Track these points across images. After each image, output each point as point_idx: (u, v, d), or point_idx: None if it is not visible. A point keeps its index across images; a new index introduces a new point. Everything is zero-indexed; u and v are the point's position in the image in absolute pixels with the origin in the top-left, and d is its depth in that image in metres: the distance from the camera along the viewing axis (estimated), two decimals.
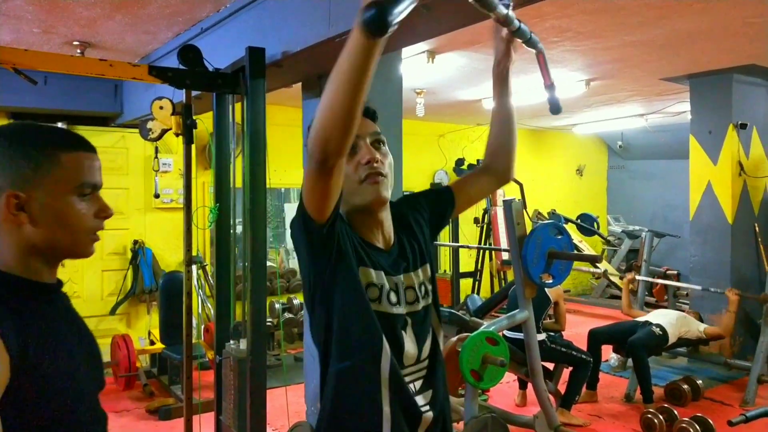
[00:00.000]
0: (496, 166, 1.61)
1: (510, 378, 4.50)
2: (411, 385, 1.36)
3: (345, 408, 1.34)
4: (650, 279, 5.75)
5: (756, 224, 5.30)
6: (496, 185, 1.65)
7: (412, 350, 1.36)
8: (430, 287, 1.45)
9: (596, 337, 4.50)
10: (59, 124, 5.26)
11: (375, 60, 1.06)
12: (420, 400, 1.36)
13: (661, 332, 4.40)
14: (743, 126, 5.13)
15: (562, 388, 4.23)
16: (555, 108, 1.68)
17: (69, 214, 1.01)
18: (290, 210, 7.35)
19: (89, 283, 5.43)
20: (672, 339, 4.45)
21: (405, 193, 1.73)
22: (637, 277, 5.40)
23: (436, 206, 1.56)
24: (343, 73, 1.07)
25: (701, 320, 4.83)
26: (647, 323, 4.49)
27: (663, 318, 4.57)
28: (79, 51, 4.27)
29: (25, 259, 1.00)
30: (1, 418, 0.89)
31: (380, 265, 1.36)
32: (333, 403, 1.35)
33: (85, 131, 5.48)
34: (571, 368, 4.14)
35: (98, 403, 1.11)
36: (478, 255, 7.38)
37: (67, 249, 1.04)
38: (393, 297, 1.36)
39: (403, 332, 1.36)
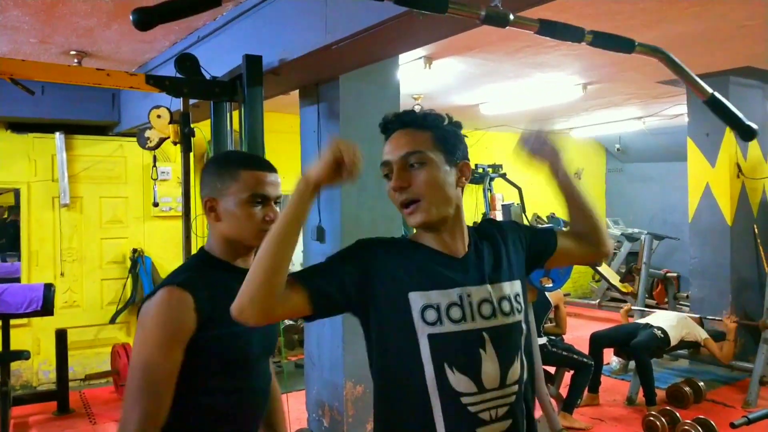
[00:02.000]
0: (594, 244, 1.49)
1: None
2: (488, 413, 1.23)
3: None
4: (645, 308, 5.73)
5: (755, 226, 5.30)
6: (594, 260, 1.55)
7: (492, 371, 1.24)
8: (517, 305, 1.32)
9: (598, 341, 4.49)
10: (57, 134, 5.28)
11: (301, 220, 1.19)
12: (492, 428, 1.24)
13: (662, 335, 4.40)
14: None
15: (563, 391, 4.22)
16: (743, 131, 1.44)
17: (241, 216, 1.39)
18: None
19: (89, 292, 5.42)
20: (674, 341, 4.45)
21: None
22: (635, 308, 5.36)
23: (538, 240, 1.47)
24: (273, 234, 1.18)
25: (702, 326, 4.82)
26: (648, 326, 4.49)
27: (664, 320, 4.56)
28: (76, 61, 4.27)
29: (223, 246, 1.42)
30: (187, 352, 1.29)
31: (437, 280, 1.26)
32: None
33: (83, 140, 5.49)
34: (572, 372, 4.14)
35: (267, 365, 1.52)
36: None
37: (241, 240, 1.41)
38: (456, 313, 1.25)
39: (481, 350, 1.24)
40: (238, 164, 1.41)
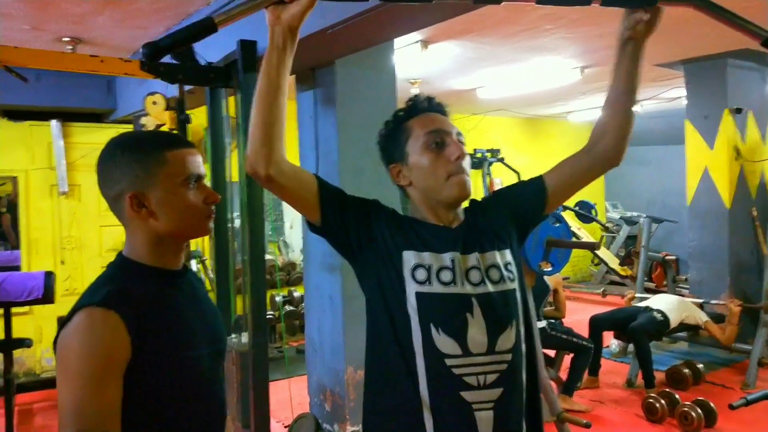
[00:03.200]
0: (605, 144, 1.41)
1: None
2: (475, 378, 1.25)
3: (381, 401, 1.34)
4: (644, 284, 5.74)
5: (753, 208, 5.30)
6: (601, 167, 1.44)
7: (479, 337, 1.26)
8: (508, 274, 1.34)
9: (597, 324, 4.51)
10: (53, 122, 5.25)
11: (276, 70, 1.22)
12: (480, 394, 1.25)
13: (662, 317, 4.41)
14: (739, 110, 5.13)
15: (563, 374, 4.25)
16: None
17: (182, 204, 1.17)
18: None
19: (89, 280, 5.28)
20: (673, 324, 4.47)
21: None
22: (637, 295, 5.36)
23: (522, 196, 1.46)
24: (256, 90, 1.24)
25: (702, 309, 4.83)
26: (648, 308, 4.51)
27: (663, 303, 4.58)
28: (69, 47, 4.24)
29: (154, 248, 1.18)
30: (125, 385, 1.06)
31: (431, 244, 1.31)
32: (369, 397, 1.36)
33: (79, 128, 5.46)
34: (572, 355, 4.16)
35: (217, 376, 1.28)
36: None
37: (186, 232, 1.21)
38: (446, 275, 1.28)
39: (468, 315, 1.26)
40: (159, 146, 1.18)
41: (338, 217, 1.33)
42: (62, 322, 1.10)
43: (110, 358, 1.04)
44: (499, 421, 1.25)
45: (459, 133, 1.38)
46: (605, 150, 1.41)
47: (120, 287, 1.11)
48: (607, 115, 1.42)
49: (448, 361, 1.24)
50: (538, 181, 1.45)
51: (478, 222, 1.39)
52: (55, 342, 1.09)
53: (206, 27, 1.12)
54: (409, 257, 1.29)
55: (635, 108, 1.42)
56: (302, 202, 1.32)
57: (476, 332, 1.26)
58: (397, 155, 1.41)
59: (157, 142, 1.19)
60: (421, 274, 1.28)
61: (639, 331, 4.28)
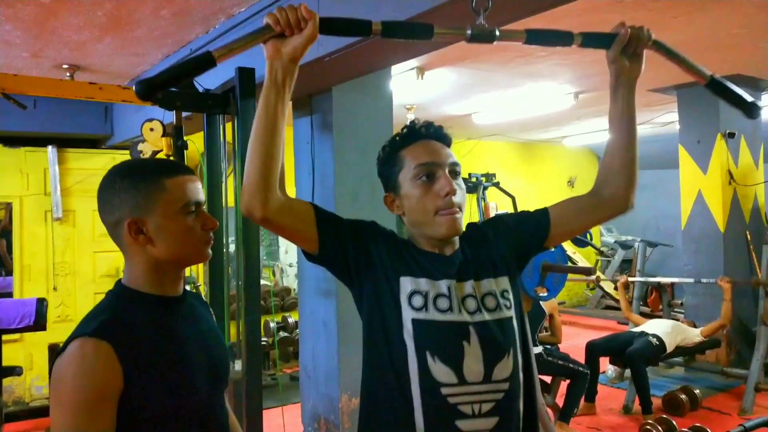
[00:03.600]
0: (612, 191, 1.38)
1: None
2: (470, 407, 1.23)
3: (375, 427, 1.32)
4: (644, 279, 5.75)
5: (747, 232, 5.32)
6: (609, 212, 1.41)
7: (474, 365, 1.24)
8: (504, 302, 1.32)
9: (594, 350, 4.49)
10: (49, 147, 5.26)
11: (274, 109, 1.20)
12: (475, 423, 1.23)
13: (658, 342, 4.39)
14: (731, 135, 5.18)
15: (560, 401, 4.21)
16: (743, 106, 1.40)
17: (180, 230, 1.17)
18: None
19: (82, 306, 5.37)
20: (669, 348, 4.45)
21: None
22: (630, 279, 5.38)
23: (524, 225, 1.42)
24: (253, 128, 1.22)
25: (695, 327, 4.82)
26: (644, 333, 4.49)
27: (659, 328, 4.57)
28: (68, 74, 4.27)
29: (152, 275, 1.18)
30: (119, 414, 1.07)
31: (427, 271, 1.30)
32: (363, 422, 1.35)
33: (76, 154, 5.47)
34: (568, 381, 4.13)
35: (221, 405, 1.28)
36: None
37: (185, 259, 1.21)
38: (443, 303, 1.27)
39: (465, 343, 1.25)
40: (159, 173, 1.18)
41: (336, 245, 1.30)
42: (57, 352, 1.10)
43: (102, 388, 1.05)
44: None
45: (454, 164, 1.34)
46: (612, 196, 1.39)
47: (114, 316, 1.12)
48: (611, 162, 1.40)
49: (444, 390, 1.23)
50: (542, 214, 1.41)
51: (475, 249, 1.37)
52: (50, 372, 1.09)
53: (205, 61, 1.10)
54: (406, 283, 1.28)
55: (638, 152, 1.39)
56: (299, 235, 1.30)
57: (472, 361, 1.24)
58: (390, 184, 1.39)
59: (157, 170, 1.19)
60: (417, 301, 1.27)
61: (636, 356, 4.27)
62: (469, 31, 1.24)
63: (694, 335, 4.62)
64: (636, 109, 1.38)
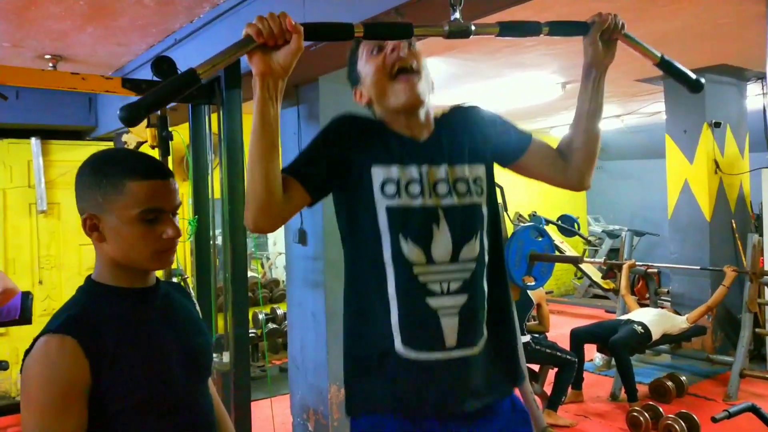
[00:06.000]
0: (572, 164, 1.46)
1: None
2: (438, 285, 1.29)
3: (357, 306, 1.36)
4: (647, 264, 5.78)
5: (733, 221, 5.37)
6: (563, 182, 1.48)
7: (443, 246, 1.29)
8: (477, 188, 1.36)
9: (578, 337, 4.51)
10: (33, 139, 5.19)
11: (272, 124, 1.20)
12: (444, 300, 1.29)
13: (643, 330, 4.43)
14: (717, 125, 5.22)
15: (548, 389, 4.24)
16: (688, 83, 1.51)
17: (131, 237, 1.13)
18: None
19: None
20: (656, 336, 4.49)
21: None
22: (639, 264, 5.39)
23: (506, 136, 1.46)
24: (253, 144, 1.22)
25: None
26: (629, 321, 4.53)
27: (644, 316, 4.60)
28: (51, 65, 4.21)
29: (115, 270, 1.16)
30: (90, 409, 1.06)
31: (397, 156, 1.32)
32: (349, 307, 1.38)
33: (60, 146, 5.40)
34: (556, 369, 4.16)
35: (203, 392, 1.26)
36: None
37: (136, 263, 1.16)
38: (414, 188, 1.30)
39: (434, 225, 1.30)
40: (122, 173, 1.12)
41: (324, 186, 1.34)
42: (26, 350, 1.09)
43: (69, 384, 1.04)
44: (463, 326, 1.30)
45: (412, 43, 1.35)
46: (571, 171, 1.46)
47: (80, 311, 1.11)
48: (574, 139, 1.46)
49: (415, 269, 1.28)
50: (525, 138, 1.47)
51: (452, 133, 1.39)
52: (21, 370, 1.09)
53: (189, 79, 1.10)
54: (377, 172, 1.31)
55: (599, 135, 1.47)
56: (298, 209, 1.34)
57: (441, 242, 1.29)
58: (354, 78, 1.43)
59: (122, 170, 1.14)
60: (390, 188, 1.30)
61: (620, 344, 4.29)
62: (446, 28, 1.28)
63: (680, 322, 4.66)
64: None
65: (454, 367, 1.29)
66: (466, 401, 1.31)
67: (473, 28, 1.29)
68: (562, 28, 1.39)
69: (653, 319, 4.56)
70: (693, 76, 1.49)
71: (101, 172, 1.14)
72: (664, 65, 1.48)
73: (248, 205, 1.22)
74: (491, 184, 1.41)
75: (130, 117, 1.08)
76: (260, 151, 1.20)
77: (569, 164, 1.46)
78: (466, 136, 1.40)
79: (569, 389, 4.33)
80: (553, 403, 4.09)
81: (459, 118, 1.44)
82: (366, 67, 1.36)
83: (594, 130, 1.45)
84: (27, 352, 1.08)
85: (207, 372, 1.30)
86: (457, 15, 1.32)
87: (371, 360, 1.32)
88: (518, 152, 1.46)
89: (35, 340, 1.08)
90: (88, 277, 1.20)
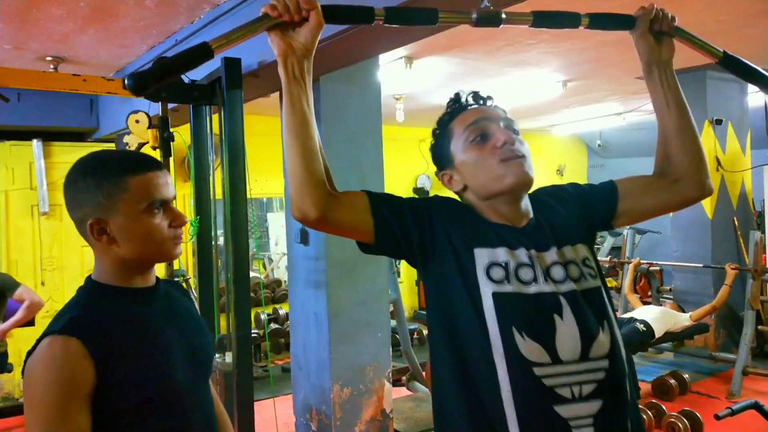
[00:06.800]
0: (682, 174, 1.29)
1: None
2: (569, 389, 1.08)
3: (455, 423, 1.16)
4: (646, 262, 5.78)
5: (735, 218, 5.37)
6: (681, 197, 1.30)
7: (571, 341, 1.10)
8: (588, 270, 1.19)
9: None
10: (34, 141, 5.20)
11: (299, 102, 1.13)
12: (576, 409, 1.08)
13: (645, 328, 4.42)
14: (719, 122, 5.20)
15: None
16: (761, 82, 1.36)
17: (145, 231, 1.13)
18: (273, 219, 7.31)
19: None
20: (658, 334, 4.48)
21: None
22: (643, 261, 5.38)
23: (590, 198, 1.31)
24: (285, 128, 1.16)
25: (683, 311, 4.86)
26: (632, 320, 4.52)
27: (647, 314, 4.60)
28: (52, 67, 4.21)
29: (120, 271, 1.16)
30: (94, 409, 1.05)
31: (504, 239, 1.17)
32: (440, 421, 1.20)
33: (62, 147, 5.41)
34: None
35: (205, 393, 1.25)
36: None
37: (150, 258, 1.17)
38: (526, 274, 1.14)
39: (556, 317, 1.11)
40: (122, 171, 1.13)
41: (396, 232, 1.18)
42: (28, 351, 1.08)
43: (73, 385, 1.03)
44: None
45: (508, 119, 1.26)
46: (683, 181, 1.30)
47: (83, 312, 1.10)
48: (670, 150, 1.32)
49: (537, 371, 1.08)
50: (609, 187, 1.32)
51: (549, 215, 1.26)
52: (23, 372, 1.07)
53: (201, 53, 1.05)
54: (482, 254, 1.15)
55: (697, 132, 1.34)
56: (356, 229, 1.19)
57: (567, 336, 1.10)
58: (445, 161, 1.29)
59: (120, 168, 1.14)
60: (497, 273, 1.13)
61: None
62: (474, 15, 1.21)
63: (683, 320, 4.66)
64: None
65: None
66: None
67: (504, 15, 1.22)
68: (603, 21, 1.30)
69: (656, 317, 4.55)
70: (765, 73, 1.35)
71: (98, 175, 1.12)
72: (728, 62, 1.36)
73: (290, 191, 1.15)
74: (599, 265, 1.26)
75: (138, 85, 1.05)
76: (290, 130, 1.14)
77: (679, 178, 1.29)
78: (559, 216, 1.26)
79: None
80: None
81: (542, 203, 1.30)
82: (466, 153, 1.24)
83: (687, 128, 1.31)
84: (29, 353, 1.07)
85: (209, 371, 1.29)
86: (487, 3, 1.25)
87: None
88: (612, 205, 1.29)
89: (38, 341, 1.07)
90: (89, 278, 1.19)
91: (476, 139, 1.24)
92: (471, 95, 1.33)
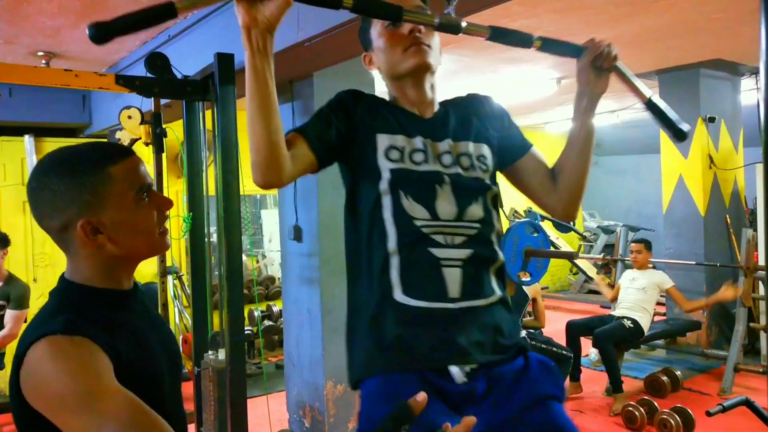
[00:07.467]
0: (558, 192, 1.42)
1: None
2: (443, 237, 1.26)
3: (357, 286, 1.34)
4: (666, 261, 5.79)
5: (727, 216, 5.39)
6: (547, 206, 1.45)
7: (448, 205, 1.28)
8: (482, 165, 1.34)
9: (573, 329, 4.54)
10: (26, 137, 5.17)
11: (263, 74, 1.17)
12: (448, 252, 1.25)
13: (632, 324, 4.43)
14: (712, 119, 5.22)
15: None
16: (672, 130, 1.43)
17: (140, 220, 1.07)
18: (267, 216, 7.29)
19: None
20: (646, 325, 4.49)
21: None
22: (610, 270, 5.43)
23: (509, 138, 1.44)
24: (249, 99, 1.19)
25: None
26: (621, 317, 4.54)
27: (629, 309, 4.59)
28: (44, 62, 4.19)
29: (108, 272, 1.07)
30: None
31: (403, 127, 1.33)
32: (350, 275, 1.36)
33: (54, 143, 5.38)
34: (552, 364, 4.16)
35: (179, 394, 1.19)
36: None
37: (146, 251, 1.11)
38: (418, 156, 1.30)
39: (437, 186, 1.29)
40: (100, 162, 1.04)
41: (332, 151, 1.32)
42: (16, 364, 0.94)
43: (99, 367, 0.92)
44: (467, 279, 1.26)
45: (420, 6, 1.33)
46: (556, 199, 1.43)
47: (76, 315, 0.99)
48: (563, 167, 1.43)
49: (417, 222, 1.26)
50: (525, 146, 1.46)
51: (461, 114, 1.40)
52: (12, 388, 0.94)
53: (166, 11, 1.06)
54: (382, 139, 1.31)
55: (587, 170, 1.43)
56: (306, 171, 1.30)
57: (445, 201, 1.28)
58: (366, 44, 1.43)
59: (97, 160, 1.05)
60: (394, 154, 1.30)
61: (603, 336, 4.30)
62: (437, 20, 1.26)
63: (665, 284, 4.64)
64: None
65: (459, 316, 1.24)
66: (474, 352, 1.23)
67: (464, 25, 1.27)
68: (554, 46, 1.39)
69: (634, 306, 4.56)
70: (679, 124, 1.43)
71: (76, 172, 1.03)
72: (651, 107, 1.44)
73: (253, 160, 1.20)
74: (495, 168, 1.39)
75: (98, 35, 1.03)
76: (254, 100, 1.19)
77: (557, 189, 1.42)
78: (474, 118, 1.40)
79: (567, 382, 4.34)
80: None
81: (469, 101, 1.45)
82: (379, 39, 1.37)
83: (584, 165, 1.41)
84: (19, 365, 0.94)
85: (181, 373, 1.24)
86: (451, 10, 1.31)
87: (371, 317, 1.27)
88: (517, 154, 1.44)
89: (27, 347, 0.93)
90: (63, 279, 1.08)
91: (389, 25, 1.35)
92: None
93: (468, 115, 1.40)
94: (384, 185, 1.28)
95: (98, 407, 0.88)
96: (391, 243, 1.26)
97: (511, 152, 1.44)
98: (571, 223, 7.80)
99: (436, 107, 1.40)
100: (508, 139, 1.44)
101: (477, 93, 1.49)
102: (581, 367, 4.59)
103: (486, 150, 1.38)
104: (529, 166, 1.45)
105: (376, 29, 1.38)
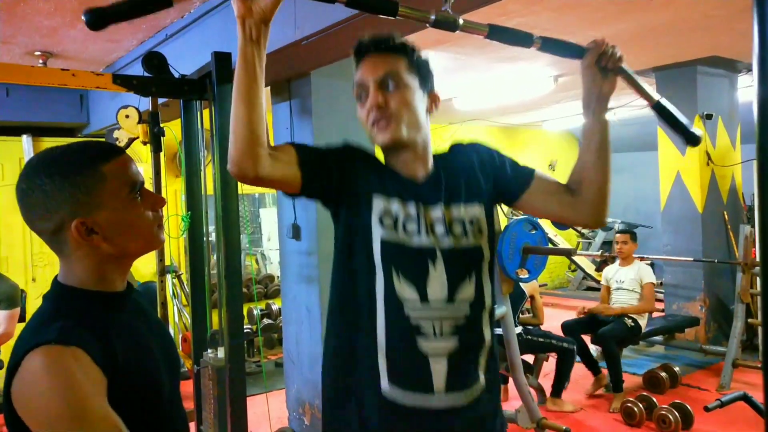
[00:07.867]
0: (582, 201, 1.39)
1: None
2: (432, 324, 1.27)
3: (340, 345, 1.35)
4: (638, 255, 5.79)
5: (725, 212, 5.40)
6: (575, 221, 1.48)
7: (437, 286, 1.28)
8: (471, 229, 1.34)
9: (569, 329, 4.54)
10: (24, 137, 5.16)
11: (253, 65, 1.17)
12: (434, 343, 1.27)
13: (633, 323, 4.45)
14: (709, 116, 5.23)
15: (542, 381, 4.26)
16: (684, 134, 1.38)
17: (134, 218, 1.05)
18: (266, 215, 7.29)
19: None
20: (644, 322, 4.50)
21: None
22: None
23: (508, 173, 1.42)
24: (235, 86, 1.19)
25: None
26: (622, 316, 4.54)
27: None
28: (41, 61, 4.18)
29: (102, 273, 1.05)
30: None
31: (398, 191, 1.32)
32: (329, 342, 1.37)
33: (51, 143, 5.37)
34: (552, 359, 4.18)
35: (178, 393, 1.17)
36: None
37: (141, 248, 1.09)
38: (411, 226, 1.29)
39: (430, 264, 1.29)
40: (92, 161, 1.03)
41: (320, 181, 1.31)
42: (9, 372, 0.92)
43: (89, 385, 0.90)
44: (452, 369, 1.28)
45: (385, 76, 1.31)
46: (583, 209, 1.40)
47: (73, 320, 0.97)
48: (582, 174, 1.40)
49: (406, 309, 1.27)
50: (528, 174, 1.42)
51: (451, 173, 1.38)
52: (6, 395, 0.91)
53: (162, 0, 1.07)
54: (378, 202, 1.30)
55: (610, 173, 1.40)
56: (285, 182, 1.28)
57: (436, 281, 1.28)
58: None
59: (89, 158, 1.03)
60: (387, 221, 1.29)
61: (607, 337, 4.32)
62: (433, 17, 1.24)
63: (647, 280, 4.61)
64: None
65: (442, 414, 1.28)
66: None
67: (461, 22, 1.25)
68: (555, 46, 1.35)
69: (628, 304, 4.57)
70: (691, 128, 1.38)
71: (68, 171, 1.01)
72: (659, 110, 1.38)
73: (230, 148, 1.20)
74: (491, 224, 1.38)
75: (93, 21, 1.05)
76: (240, 88, 1.18)
77: (579, 198, 1.39)
78: (464, 176, 1.37)
79: (570, 377, 4.33)
80: (556, 390, 4.14)
81: (457, 157, 1.42)
82: (358, 110, 1.37)
83: (604, 167, 1.38)
84: (12, 374, 0.91)
85: (180, 374, 1.23)
86: (448, 8, 1.28)
87: (355, 392, 1.31)
88: (519, 189, 1.41)
89: (20, 357, 0.91)
90: (57, 282, 1.06)
91: (360, 98, 1.35)
92: (370, 41, 1.37)
93: (457, 175, 1.38)
94: (377, 258, 1.28)
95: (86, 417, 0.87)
96: (380, 328, 1.27)
97: (514, 185, 1.41)
98: None
99: (430, 164, 1.38)
100: (504, 176, 1.41)
101: (461, 142, 1.47)
102: (580, 367, 4.59)
103: (478, 210, 1.36)
104: (538, 194, 1.41)
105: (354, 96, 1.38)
